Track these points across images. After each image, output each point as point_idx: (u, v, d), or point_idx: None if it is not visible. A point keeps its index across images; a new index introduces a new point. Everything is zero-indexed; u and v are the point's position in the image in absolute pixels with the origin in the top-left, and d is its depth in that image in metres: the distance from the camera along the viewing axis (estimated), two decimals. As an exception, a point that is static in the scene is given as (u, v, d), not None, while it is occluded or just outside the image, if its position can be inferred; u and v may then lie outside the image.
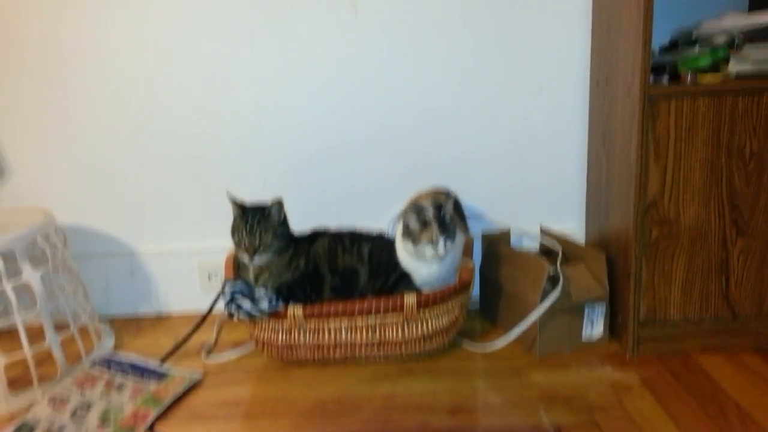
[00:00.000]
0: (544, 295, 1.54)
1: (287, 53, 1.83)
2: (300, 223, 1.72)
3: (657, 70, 1.52)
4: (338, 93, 1.86)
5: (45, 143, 1.91)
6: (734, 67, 1.48)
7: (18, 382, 1.59)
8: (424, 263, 1.59)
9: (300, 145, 1.90)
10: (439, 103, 1.86)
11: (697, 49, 1.55)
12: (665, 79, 1.51)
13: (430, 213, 1.55)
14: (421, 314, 1.54)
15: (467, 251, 1.68)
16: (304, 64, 1.84)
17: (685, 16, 1.67)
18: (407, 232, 1.57)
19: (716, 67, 1.49)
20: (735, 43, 1.51)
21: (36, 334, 1.55)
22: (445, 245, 1.54)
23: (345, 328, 1.55)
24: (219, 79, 1.85)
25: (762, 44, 1.45)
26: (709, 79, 1.47)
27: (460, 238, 1.64)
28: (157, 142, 1.91)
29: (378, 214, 1.88)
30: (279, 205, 1.63)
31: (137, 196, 1.95)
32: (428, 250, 1.55)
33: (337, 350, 1.58)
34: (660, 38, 1.65)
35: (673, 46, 1.67)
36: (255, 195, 1.69)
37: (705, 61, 1.50)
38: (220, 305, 1.62)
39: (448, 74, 1.84)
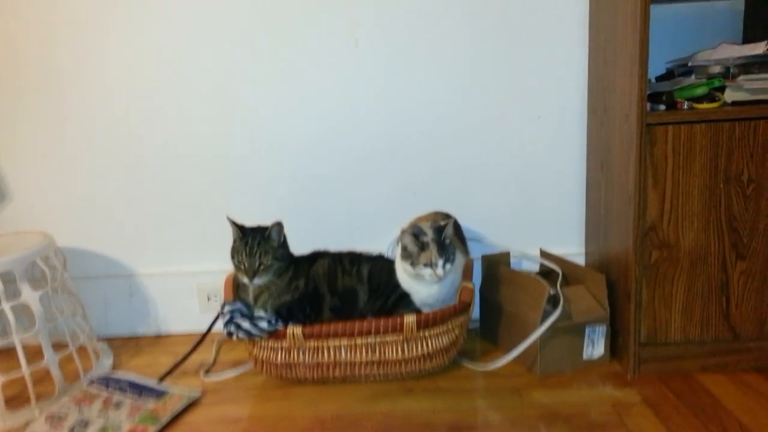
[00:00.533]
0: (545, 316, 1.54)
1: (288, 77, 1.87)
2: (300, 247, 1.73)
3: (654, 98, 1.56)
4: (338, 117, 1.89)
5: (44, 167, 1.93)
6: (730, 96, 1.51)
7: (16, 399, 1.58)
8: (423, 284, 1.60)
9: (299, 169, 1.93)
10: (439, 128, 1.89)
11: (693, 78, 1.58)
12: (662, 107, 1.54)
13: (429, 235, 1.56)
14: (421, 334, 1.54)
15: (467, 273, 1.69)
16: (303, 88, 1.88)
17: (679, 47, 1.72)
18: (406, 254, 1.58)
19: (712, 96, 1.52)
20: (730, 73, 1.54)
21: (34, 354, 1.55)
22: (443, 267, 1.55)
23: (344, 347, 1.54)
24: (219, 101, 1.88)
25: (756, 74, 1.49)
26: (705, 107, 1.50)
27: (460, 260, 1.65)
28: (157, 165, 1.93)
29: (377, 238, 1.89)
30: (279, 226, 1.64)
31: (136, 219, 1.97)
32: (426, 272, 1.55)
33: (337, 369, 1.57)
34: (655, 69, 1.69)
35: (668, 75, 1.71)
36: (254, 218, 1.70)
37: (701, 90, 1.53)
38: (220, 326, 1.62)
39: (448, 101, 1.87)
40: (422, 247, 1.55)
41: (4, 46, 1.86)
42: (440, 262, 1.54)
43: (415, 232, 1.57)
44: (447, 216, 1.75)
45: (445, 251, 1.55)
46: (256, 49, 1.85)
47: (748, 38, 1.75)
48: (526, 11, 1.82)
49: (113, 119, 1.90)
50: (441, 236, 1.56)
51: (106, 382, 1.62)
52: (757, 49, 1.49)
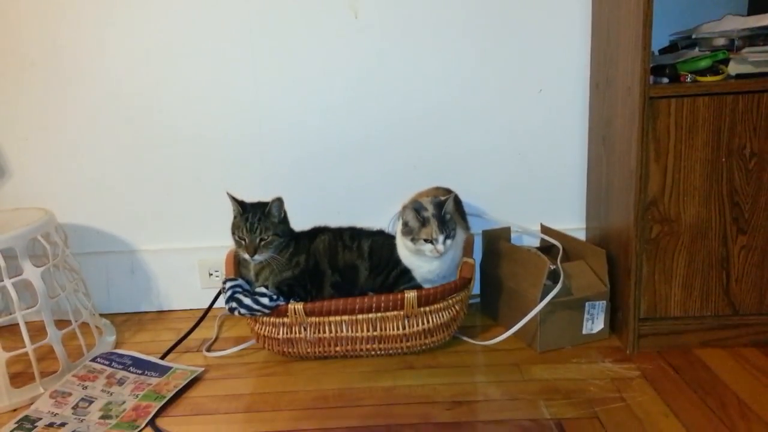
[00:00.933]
0: (545, 291, 1.54)
1: (287, 53, 1.85)
2: (301, 223, 1.73)
3: (657, 71, 1.54)
4: (338, 92, 1.88)
5: (45, 143, 1.92)
6: (734, 68, 1.49)
7: (20, 377, 1.59)
8: (423, 260, 1.60)
9: (300, 145, 1.92)
10: (439, 103, 1.88)
11: (696, 51, 1.56)
12: (665, 80, 1.53)
13: (429, 211, 1.56)
14: (422, 310, 1.54)
15: (468, 248, 1.69)
16: (303, 64, 1.86)
17: (683, 19, 1.70)
18: (407, 230, 1.58)
19: (716, 68, 1.50)
20: (734, 45, 1.52)
21: (37, 330, 1.55)
22: (444, 243, 1.55)
23: (346, 323, 1.55)
24: (219, 78, 1.87)
25: (761, 46, 1.47)
26: (709, 80, 1.48)
27: (460, 236, 1.65)
28: (158, 140, 1.92)
29: (378, 213, 1.89)
30: (279, 202, 1.64)
31: (138, 195, 1.96)
32: (427, 248, 1.55)
33: (338, 345, 1.58)
34: (658, 42, 1.67)
35: (672, 48, 1.69)
36: (255, 194, 1.69)
37: (705, 63, 1.51)
38: (221, 302, 1.62)
39: (449, 74, 1.85)
40: (423, 222, 1.55)
41: (5, 24, 1.84)
42: (441, 238, 1.54)
43: (416, 207, 1.56)
44: (448, 191, 1.75)
45: (445, 227, 1.55)
46: (255, 28, 1.83)
47: (753, 10, 1.72)
48: (528, -18, 1.79)
49: (114, 95, 1.88)
50: (442, 211, 1.56)
51: (110, 358, 1.63)
52: (763, 20, 1.47)
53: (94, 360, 1.63)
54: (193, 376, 1.56)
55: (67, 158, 1.93)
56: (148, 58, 1.86)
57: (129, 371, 1.59)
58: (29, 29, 1.83)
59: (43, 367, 1.58)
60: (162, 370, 1.59)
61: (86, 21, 1.83)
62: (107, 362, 1.62)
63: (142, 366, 1.61)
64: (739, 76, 1.48)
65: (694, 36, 1.59)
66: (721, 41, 1.54)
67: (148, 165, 1.94)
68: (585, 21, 1.79)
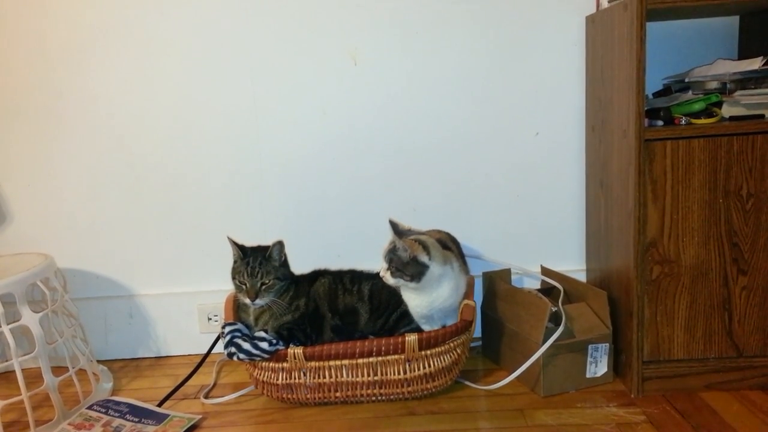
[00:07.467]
0: (547, 334, 1.53)
1: (288, 99, 1.87)
2: (301, 266, 1.72)
3: (651, 114, 1.56)
4: (338, 137, 1.89)
5: (44, 188, 1.93)
6: (727, 111, 1.52)
7: (14, 425, 1.57)
8: (405, 291, 1.59)
9: (300, 189, 1.93)
10: (437, 146, 1.89)
11: (690, 94, 1.59)
12: (660, 123, 1.55)
13: (404, 239, 1.55)
14: (423, 354, 1.53)
15: (468, 291, 1.68)
16: (304, 110, 1.88)
17: (675, 63, 1.74)
18: None
19: (709, 111, 1.53)
20: (727, 88, 1.55)
21: (34, 378, 1.54)
22: (387, 270, 1.53)
23: (346, 367, 1.54)
24: (220, 124, 1.89)
25: (752, 89, 1.50)
26: (703, 122, 1.50)
27: (461, 279, 1.63)
28: (157, 185, 1.93)
29: (379, 256, 1.86)
30: (280, 245, 1.64)
31: (137, 239, 1.96)
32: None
33: (338, 390, 1.56)
34: (652, 85, 1.69)
35: (665, 91, 1.71)
36: (255, 237, 1.69)
37: (699, 106, 1.53)
38: (220, 347, 1.61)
39: (446, 118, 1.88)
40: (390, 243, 1.55)
41: (8, 71, 1.86)
42: (383, 263, 1.54)
43: (400, 229, 1.57)
44: (447, 234, 1.75)
45: (391, 258, 1.52)
46: (256, 71, 1.86)
47: (743, 54, 1.75)
48: (523, 29, 1.83)
49: (113, 140, 1.90)
50: (395, 246, 1.53)
51: (106, 406, 1.61)
52: (753, 64, 1.50)
53: (90, 408, 1.60)
54: (190, 424, 1.53)
55: (67, 204, 1.94)
56: (149, 105, 1.88)
57: (125, 419, 1.56)
58: (32, 77, 1.86)
59: (38, 415, 1.56)
60: (159, 418, 1.56)
61: (87, 68, 1.85)
62: (104, 410, 1.59)
63: (138, 414, 1.58)
64: (732, 119, 1.51)
65: (687, 79, 1.62)
66: (713, 84, 1.57)
67: (148, 209, 1.94)
68: (579, 65, 1.83)
